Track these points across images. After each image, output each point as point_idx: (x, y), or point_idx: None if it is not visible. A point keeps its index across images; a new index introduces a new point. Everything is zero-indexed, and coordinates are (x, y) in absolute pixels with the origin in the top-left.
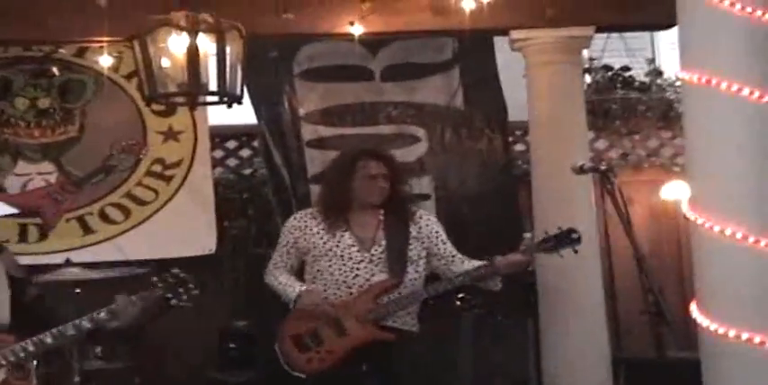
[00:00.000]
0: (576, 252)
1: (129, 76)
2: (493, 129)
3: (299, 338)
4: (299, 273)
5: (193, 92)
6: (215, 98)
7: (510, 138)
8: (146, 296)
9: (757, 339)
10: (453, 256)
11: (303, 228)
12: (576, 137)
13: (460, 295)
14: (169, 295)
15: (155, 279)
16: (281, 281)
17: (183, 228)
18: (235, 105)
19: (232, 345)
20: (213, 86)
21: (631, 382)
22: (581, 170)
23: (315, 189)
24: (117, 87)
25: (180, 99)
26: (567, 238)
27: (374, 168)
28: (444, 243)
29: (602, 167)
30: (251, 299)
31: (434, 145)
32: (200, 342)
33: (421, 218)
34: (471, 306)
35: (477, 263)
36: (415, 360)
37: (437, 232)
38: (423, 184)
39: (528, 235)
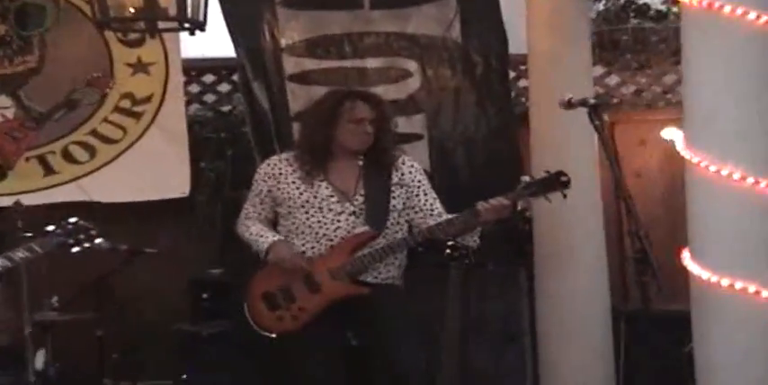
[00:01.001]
0: (564, 196)
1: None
2: (492, 64)
3: (270, 295)
4: (275, 225)
5: (150, 17)
6: (174, 24)
7: (513, 74)
8: (44, 242)
9: (752, 288)
10: (432, 210)
11: (277, 175)
12: (580, 72)
13: (450, 243)
14: (70, 241)
15: (51, 227)
16: (253, 231)
17: (154, 169)
18: (213, 35)
19: (204, 296)
20: (173, 11)
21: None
22: (569, 104)
23: (298, 127)
24: (80, 13)
25: (138, 25)
26: (554, 182)
27: (362, 112)
28: (426, 194)
29: (592, 101)
30: (227, 246)
31: (428, 80)
32: (170, 292)
33: (404, 163)
34: (462, 255)
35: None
36: (398, 314)
37: (419, 181)
38: (414, 123)
39: (526, 178)
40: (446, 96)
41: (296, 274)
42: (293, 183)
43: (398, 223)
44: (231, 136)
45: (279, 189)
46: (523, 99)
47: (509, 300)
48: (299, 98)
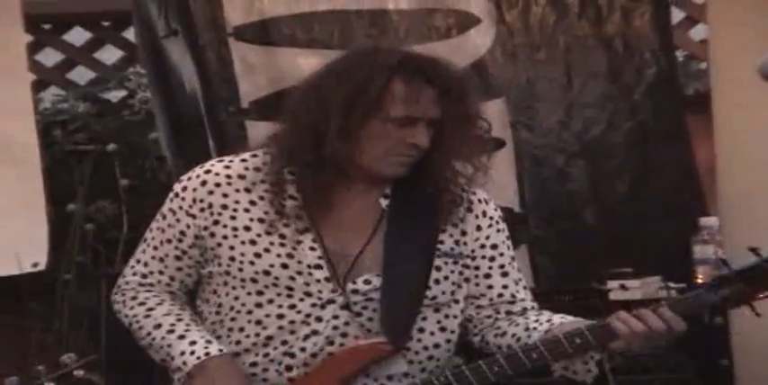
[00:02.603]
0: None
1: None
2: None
3: None
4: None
5: None
6: None
7: (680, 16)
8: None
9: None
10: (513, 301)
11: (220, 203)
12: None
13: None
14: None
15: None
16: (159, 320)
17: None
18: None
19: None
20: None
21: None
22: None
23: (256, 127)
24: None
25: None
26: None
27: (417, 103)
28: (504, 271)
29: None
30: (123, 365)
31: (510, 32)
32: None
33: (472, 208)
34: None
35: (563, 317)
36: None
37: (495, 245)
38: (488, 117)
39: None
40: (547, 63)
41: None
42: (250, 222)
43: (437, 330)
44: (127, 148)
45: (215, 233)
46: (704, 64)
47: None
48: (255, 72)
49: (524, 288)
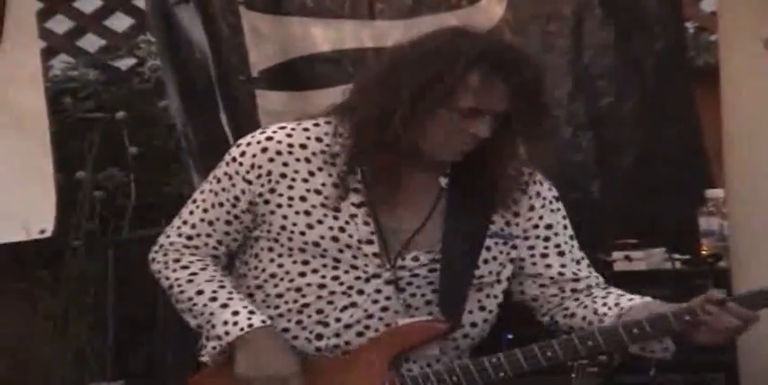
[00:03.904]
0: None
1: None
2: None
3: None
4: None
5: None
6: None
7: None
8: None
9: None
10: (577, 278)
11: (279, 170)
12: None
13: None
14: None
15: None
16: (202, 286)
17: None
18: None
19: None
20: None
21: None
22: None
23: (266, 96)
24: None
25: None
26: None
27: (488, 97)
28: (560, 251)
29: None
30: (129, 332)
31: (520, 2)
32: None
33: (527, 190)
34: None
35: (631, 299)
36: None
37: (548, 225)
38: None
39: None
40: (557, 34)
41: None
42: (307, 193)
43: (486, 307)
44: (136, 116)
45: (270, 201)
46: (709, 38)
47: None
48: (265, 41)
49: (588, 266)
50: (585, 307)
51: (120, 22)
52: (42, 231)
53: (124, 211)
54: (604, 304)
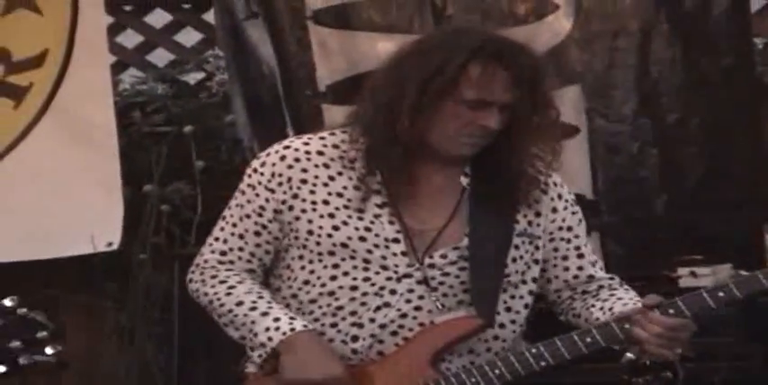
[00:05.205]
0: None
1: None
2: None
3: None
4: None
5: None
6: None
7: (751, 9)
8: None
9: None
10: (589, 280)
11: (299, 177)
12: None
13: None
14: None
15: None
16: (242, 297)
17: (49, 200)
18: None
19: None
20: None
21: None
22: None
23: (332, 111)
24: None
25: None
26: None
27: (490, 87)
28: (580, 254)
29: None
30: (194, 345)
31: (588, 18)
32: None
33: (546, 191)
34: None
35: (626, 304)
36: None
37: (571, 227)
38: (564, 103)
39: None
40: (624, 50)
41: None
42: (329, 196)
43: (517, 308)
44: (203, 130)
45: (294, 207)
46: None
47: None
48: (333, 56)
49: (601, 268)
50: (587, 309)
51: (189, 37)
52: (109, 244)
53: (190, 225)
54: (601, 308)
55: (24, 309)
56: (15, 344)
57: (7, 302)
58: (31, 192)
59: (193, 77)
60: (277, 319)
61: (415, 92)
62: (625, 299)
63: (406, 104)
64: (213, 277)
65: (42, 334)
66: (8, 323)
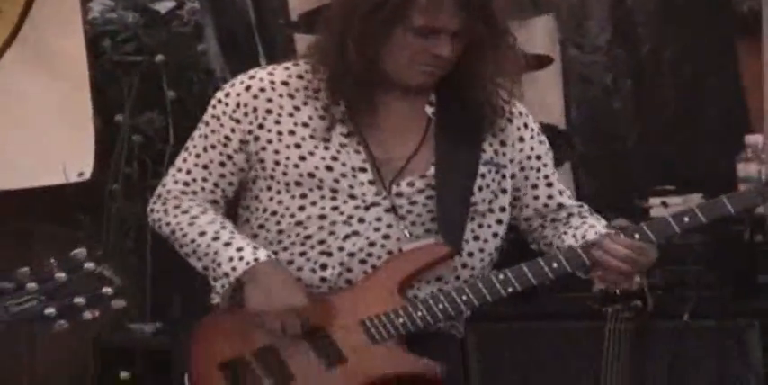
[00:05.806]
0: None
1: None
2: None
3: (236, 365)
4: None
5: None
6: None
7: None
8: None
9: None
10: (559, 208)
11: (264, 107)
12: None
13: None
14: (79, 300)
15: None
16: (204, 227)
17: (21, 130)
18: None
19: (124, 375)
20: None
21: None
22: None
23: (305, 40)
24: None
25: None
26: None
27: (439, 14)
28: (549, 182)
29: None
30: (167, 275)
31: None
32: (64, 368)
33: (512, 120)
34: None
35: (598, 232)
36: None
37: (539, 156)
38: (537, 33)
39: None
40: None
41: (291, 330)
42: (294, 126)
43: (486, 236)
44: (175, 60)
45: (260, 137)
46: None
47: (725, 372)
48: None
49: (569, 196)
50: (558, 237)
51: None
52: (81, 174)
53: (162, 156)
54: (573, 235)
55: (92, 264)
56: (79, 300)
57: (77, 255)
58: (1, 122)
59: (164, 6)
60: (240, 249)
61: (363, 21)
62: (598, 227)
63: (353, 34)
64: (176, 207)
65: (107, 289)
66: (74, 278)
